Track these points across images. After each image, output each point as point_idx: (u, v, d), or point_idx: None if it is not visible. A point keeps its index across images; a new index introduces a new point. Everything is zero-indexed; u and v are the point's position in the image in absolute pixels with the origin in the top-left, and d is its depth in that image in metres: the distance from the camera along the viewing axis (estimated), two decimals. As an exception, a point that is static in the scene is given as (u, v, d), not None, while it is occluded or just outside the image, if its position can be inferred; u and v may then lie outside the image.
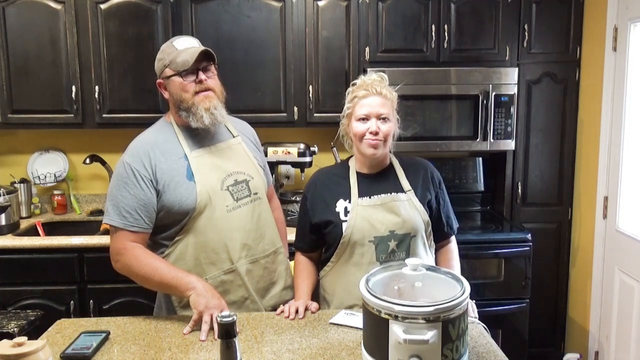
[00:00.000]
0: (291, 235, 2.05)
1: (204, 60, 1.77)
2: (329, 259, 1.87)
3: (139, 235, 1.75)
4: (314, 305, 1.80)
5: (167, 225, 1.79)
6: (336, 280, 1.87)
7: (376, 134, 1.77)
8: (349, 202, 1.83)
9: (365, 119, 1.78)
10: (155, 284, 1.75)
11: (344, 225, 1.81)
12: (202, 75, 1.77)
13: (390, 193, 1.84)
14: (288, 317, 1.74)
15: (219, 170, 1.83)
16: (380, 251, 1.79)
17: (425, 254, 1.86)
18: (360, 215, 1.80)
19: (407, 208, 1.82)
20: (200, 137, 1.84)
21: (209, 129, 1.81)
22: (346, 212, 1.82)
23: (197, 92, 1.76)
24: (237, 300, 1.84)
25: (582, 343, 3.18)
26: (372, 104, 1.77)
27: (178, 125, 1.84)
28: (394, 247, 1.79)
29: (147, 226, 1.76)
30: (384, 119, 1.78)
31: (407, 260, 1.43)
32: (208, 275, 1.79)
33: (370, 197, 1.83)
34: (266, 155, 3.03)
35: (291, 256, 2.06)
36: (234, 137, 1.95)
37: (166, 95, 1.83)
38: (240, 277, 1.83)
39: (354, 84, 1.86)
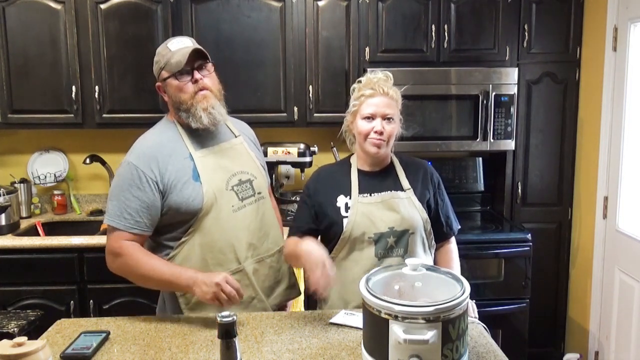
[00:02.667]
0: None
1: (198, 59, 1.76)
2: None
3: (137, 237, 1.74)
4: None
5: (173, 226, 1.78)
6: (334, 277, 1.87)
7: (381, 133, 1.78)
8: (350, 198, 1.84)
9: (370, 118, 1.80)
10: (154, 283, 1.74)
11: (345, 221, 1.82)
12: (197, 75, 1.75)
13: (390, 191, 1.85)
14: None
15: (223, 170, 1.82)
16: (379, 247, 1.80)
17: (423, 252, 1.87)
18: (361, 211, 1.81)
19: (406, 206, 1.83)
20: (204, 137, 1.83)
21: (210, 128, 1.80)
22: (347, 208, 1.83)
23: (195, 93, 1.75)
24: (245, 300, 1.82)
25: (582, 343, 3.18)
26: (379, 104, 1.79)
27: (181, 125, 1.83)
28: (392, 244, 1.81)
29: (147, 229, 1.74)
30: (389, 119, 1.80)
31: (407, 260, 1.43)
32: None
33: (370, 195, 1.84)
34: (266, 156, 3.04)
35: None
36: (236, 136, 1.95)
37: (166, 98, 1.82)
38: (247, 276, 1.83)
39: (360, 82, 1.86)
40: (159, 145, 1.77)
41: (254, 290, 1.85)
